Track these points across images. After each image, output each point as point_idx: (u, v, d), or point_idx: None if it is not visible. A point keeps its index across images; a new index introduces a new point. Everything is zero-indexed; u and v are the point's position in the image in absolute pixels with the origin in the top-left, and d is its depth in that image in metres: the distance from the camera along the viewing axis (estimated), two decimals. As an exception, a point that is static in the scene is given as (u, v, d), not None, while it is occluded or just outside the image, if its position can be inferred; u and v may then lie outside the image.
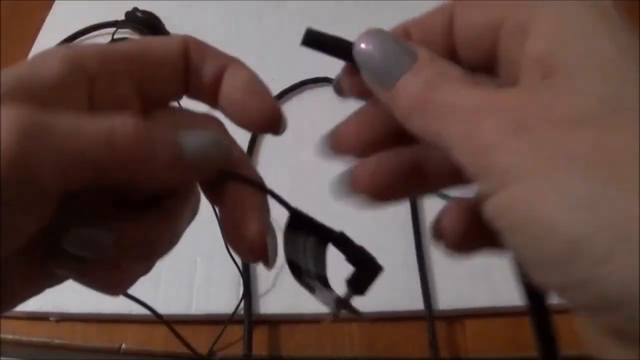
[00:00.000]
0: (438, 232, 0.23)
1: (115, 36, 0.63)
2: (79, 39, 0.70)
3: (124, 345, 0.47)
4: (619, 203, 0.14)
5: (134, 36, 0.66)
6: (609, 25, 0.18)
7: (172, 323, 0.46)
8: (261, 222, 0.22)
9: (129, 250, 0.21)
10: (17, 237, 0.17)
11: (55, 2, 0.75)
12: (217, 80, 0.24)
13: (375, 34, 0.21)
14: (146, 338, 0.47)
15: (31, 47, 0.69)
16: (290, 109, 0.63)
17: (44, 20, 0.73)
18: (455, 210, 0.22)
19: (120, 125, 0.18)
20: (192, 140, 0.21)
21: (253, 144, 0.58)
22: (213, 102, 0.25)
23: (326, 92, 0.64)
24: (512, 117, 0.17)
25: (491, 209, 0.17)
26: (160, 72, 0.23)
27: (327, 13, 0.73)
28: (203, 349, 0.46)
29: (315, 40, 0.22)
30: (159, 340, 0.47)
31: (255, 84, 0.24)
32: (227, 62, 0.24)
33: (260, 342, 0.47)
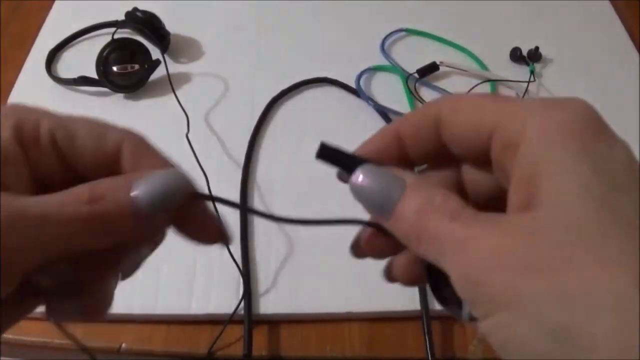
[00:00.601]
0: (390, 278, 0.26)
1: (115, 36, 0.63)
2: (79, 39, 0.70)
3: (124, 345, 0.47)
4: (583, 341, 0.16)
5: (134, 36, 0.66)
6: (596, 152, 0.19)
7: (172, 323, 0.46)
8: (205, 212, 0.24)
9: (94, 280, 0.24)
10: None
11: (55, 2, 0.75)
12: None
13: (367, 170, 0.22)
14: (146, 338, 0.47)
15: (31, 47, 0.69)
16: (291, 108, 0.63)
17: (44, 20, 0.73)
18: (404, 260, 0.25)
19: (77, 202, 0.20)
20: (148, 191, 0.21)
21: (253, 144, 0.58)
22: None
23: (326, 92, 0.64)
24: (494, 256, 0.18)
25: (483, 330, 0.19)
26: (84, 158, 0.23)
27: (327, 13, 0.73)
28: (203, 349, 0.46)
29: (328, 154, 0.24)
30: (159, 340, 0.47)
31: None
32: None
33: (260, 342, 0.47)
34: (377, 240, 0.24)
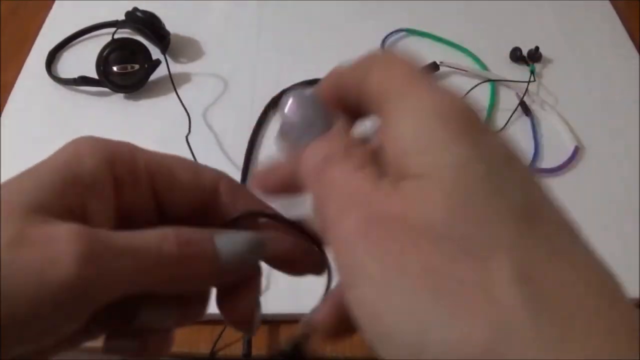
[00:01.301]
0: (311, 329, 0.25)
1: (115, 36, 0.63)
2: (79, 39, 0.70)
3: (124, 345, 0.47)
4: (441, 317, 0.15)
5: (134, 36, 0.66)
6: (474, 137, 0.18)
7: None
8: (254, 301, 0.25)
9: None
10: (58, 336, 0.19)
11: (55, 2, 0.75)
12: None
13: (298, 97, 0.22)
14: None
15: (31, 47, 0.69)
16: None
17: (44, 20, 0.73)
18: (327, 306, 0.24)
19: (162, 242, 0.20)
20: (228, 247, 0.22)
21: (253, 143, 0.58)
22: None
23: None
24: (370, 218, 0.17)
25: (348, 301, 0.18)
26: (181, 194, 0.24)
27: (327, 13, 0.73)
28: (203, 349, 0.46)
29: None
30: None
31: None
32: (259, 207, 0.25)
33: (260, 342, 0.47)
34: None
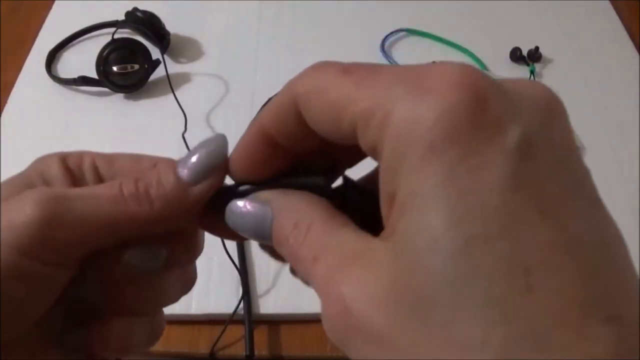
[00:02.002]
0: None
1: (115, 36, 0.63)
2: (79, 39, 0.70)
3: (124, 345, 0.47)
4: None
5: (134, 36, 0.66)
6: (460, 179, 0.14)
7: (172, 323, 0.46)
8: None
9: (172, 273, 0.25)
10: (41, 303, 0.20)
11: (55, 2, 0.75)
12: None
13: (236, 206, 0.21)
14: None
15: (31, 47, 0.69)
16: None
17: (44, 20, 0.73)
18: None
19: (120, 184, 0.21)
20: (190, 166, 0.22)
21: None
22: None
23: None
24: (346, 315, 0.16)
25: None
26: None
27: (327, 13, 0.73)
28: (203, 349, 0.46)
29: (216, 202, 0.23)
30: (159, 340, 0.47)
31: None
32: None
33: (260, 342, 0.47)
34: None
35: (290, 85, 0.19)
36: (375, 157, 0.17)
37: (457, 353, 0.13)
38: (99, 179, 0.23)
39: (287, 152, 0.21)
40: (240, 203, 0.21)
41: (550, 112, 0.16)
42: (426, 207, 0.14)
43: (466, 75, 0.15)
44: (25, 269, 0.19)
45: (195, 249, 0.25)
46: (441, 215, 0.14)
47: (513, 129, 0.14)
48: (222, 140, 0.23)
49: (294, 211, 0.20)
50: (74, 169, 0.23)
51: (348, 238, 0.18)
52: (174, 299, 0.26)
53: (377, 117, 0.16)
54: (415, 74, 0.16)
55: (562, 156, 0.15)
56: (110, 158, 0.23)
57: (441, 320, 0.14)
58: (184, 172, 0.21)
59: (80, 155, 0.23)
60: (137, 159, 0.23)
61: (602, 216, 0.15)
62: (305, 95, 0.18)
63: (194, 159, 0.22)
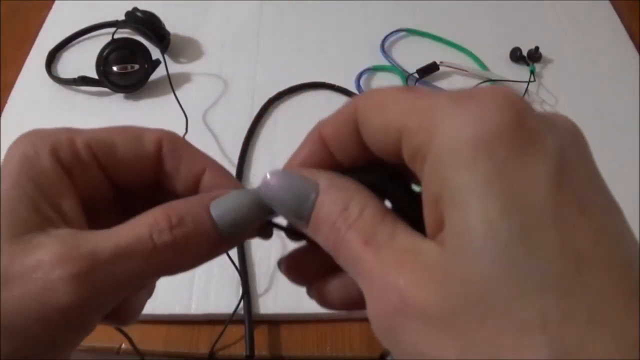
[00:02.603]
0: (325, 303, 0.23)
1: (115, 36, 0.63)
2: (79, 39, 0.70)
3: (123, 345, 0.47)
4: None
5: (134, 36, 0.66)
6: (510, 175, 0.15)
7: (172, 323, 0.46)
8: None
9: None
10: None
11: (55, 2, 0.75)
12: (195, 181, 0.23)
13: (275, 172, 0.20)
14: (146, 338, 0.47)
15: (31, 47, 0.69)
16: (288, 109, 0.63)
17: (44, 20, 0.73)
18: (338, 283, 0.22)
19: (154, 231, 0.19)
20: (227, 216, 0.20)
21: (247, 143, 0.58)
22: (187, 192, 0.24)
23: (323, 96, 0.64)
24: (402, 307, 0.16)
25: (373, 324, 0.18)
26: (127, 166, 0.23)
27: (327, 13, 0.73)
28: (203, 349, 0.46)
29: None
30: (159, 340, 0.47)
31: (236, 187, 0.24)
32: (205, 165, 0.24)
33: (260, 342, 0.47)
34: (307, 259, 0.22)
35: (353, 99, 0.20)
36: (416, 163, 0.18)
37: (516, 334, 0.14)
38: (100, 166, 0.22)
39: (337, 167, 0.21)
40: (282, 173, 0.20)
41: (576, 133, 0.18)
42: (480, 198, 0.15)
43: (508, 96, 0.17)
44: (57, 339, 0.19)
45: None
46: (495, 204, 0.15)
47: (550, 139, 0.16)
48: (259, 199, 0.21)
49: (345, 191, 0.19)
50: (68, 160, 0.21)
51: (401, 232, 0.18)
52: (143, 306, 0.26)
53: (426, 124, 0.17)
54: (466, 93, 0.17)
55: (591, 169, 0.17)
56: (108, 142, 0.22)
57: (501, 303, 0.14)
58: (221, 226, 0.20)
59: (72, 140, 0.22)
60: (138, 139, 0.23)
61: (627, 225, 0.17)
62: (364, 108, 0.19)
63: (231, 214, 0.20)
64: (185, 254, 0.20)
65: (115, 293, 0.19)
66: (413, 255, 0.17)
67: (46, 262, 0.18)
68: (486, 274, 0.15)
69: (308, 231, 0.20)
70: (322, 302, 0.23)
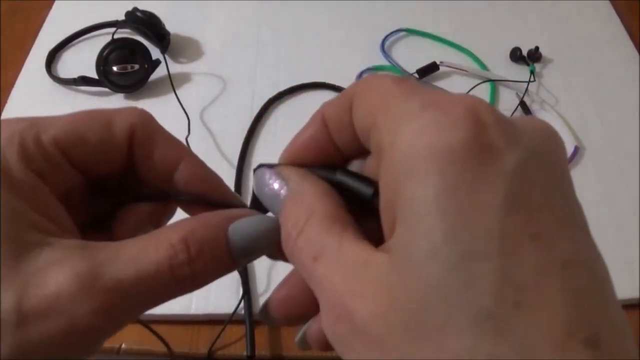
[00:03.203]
0: (305, 345, 0.23)
1: (115, 36, 0.63)
2: (79, 39, 0.70)
3: (124, 345, 0.47)
4: None
5: (134, 36, 0.66)
6: (461, 194, 0.15)
7: (172, 323, 0.46)
8: None
9: None
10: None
11: (55, 2, 0.75)
12: (170, 171, 0.23)
13: (257, 172, 0.22)
14: (146, 338, 0.47)
15: (31, 47, 0.69)
16: (288, 110, 0.63)
17: (44, 20, 0.73)
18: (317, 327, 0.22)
19: (173, 262, 0.19)
20: (243, 241, 0.20)
21: (247, 144, 0.58)
22: (161, 183, 0.24)
23: (323, 96, 0.64)
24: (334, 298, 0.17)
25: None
26: (97, 157, 0.22)
27: (327, 13, 0.73)
28: (203, 349, 0.46)
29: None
30: (159, 340, 0.47)
31: (214, 178, 0.24)
32: (180, 155, 0.23)
33: (260, 342, 0.47)
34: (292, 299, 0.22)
35: (353, 84, 0.20)
36: (378, 159, 0.18)
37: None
38: (69, 161, 0.21)
39: (338, 154, 0.21)
40: (266, 173, 0.21)
41: (548, 143, 0.17)
42: (426, 218, 0.15)
43: (474, 107, 0.16)
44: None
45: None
46: (440, 228, 0.15)
47: (510, 155, 0.15)
48: (278, 227, 0.21)
49: (300, 199, 0.20)
50: (38, 163, 0.20)
51: (348, 241, 0.18)
52: None
53: (391, 124, 0.17)
54: (437, 99, 0.17)
55: (556, 185, 0.16)
56: (76, 134, 0.21)
57: (435, 328, 0.14)
58: (237, 252, 0.20)
59: (38, 139, 0.20)
60: (108, 127, 0.21)
61: (590, 242, 0.16)
62: (358, 92, 0.19)
63: (249, 243, 0.21)
64: (200, 282, 0.20)
65: (131, 318, 0.20)
66: (360, 267, 0.17)
67: (66, 295, 0.17)
68: (423, 297, 0.15)
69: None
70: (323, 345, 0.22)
